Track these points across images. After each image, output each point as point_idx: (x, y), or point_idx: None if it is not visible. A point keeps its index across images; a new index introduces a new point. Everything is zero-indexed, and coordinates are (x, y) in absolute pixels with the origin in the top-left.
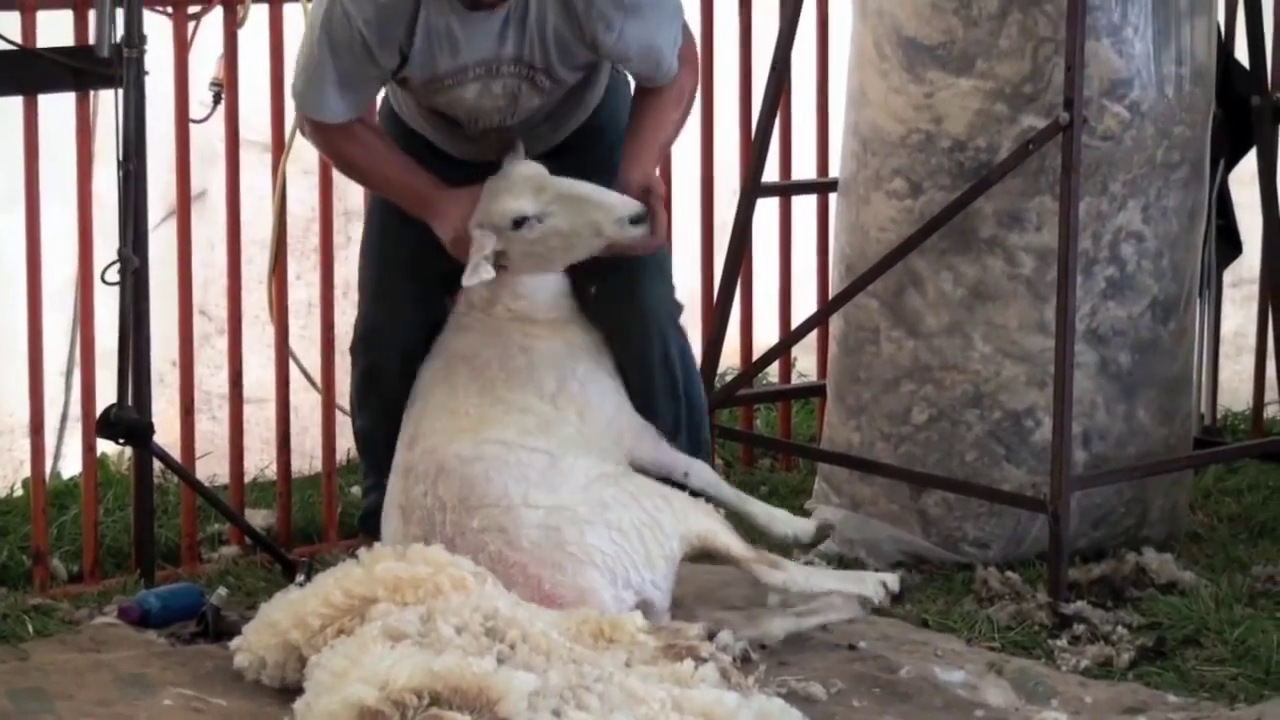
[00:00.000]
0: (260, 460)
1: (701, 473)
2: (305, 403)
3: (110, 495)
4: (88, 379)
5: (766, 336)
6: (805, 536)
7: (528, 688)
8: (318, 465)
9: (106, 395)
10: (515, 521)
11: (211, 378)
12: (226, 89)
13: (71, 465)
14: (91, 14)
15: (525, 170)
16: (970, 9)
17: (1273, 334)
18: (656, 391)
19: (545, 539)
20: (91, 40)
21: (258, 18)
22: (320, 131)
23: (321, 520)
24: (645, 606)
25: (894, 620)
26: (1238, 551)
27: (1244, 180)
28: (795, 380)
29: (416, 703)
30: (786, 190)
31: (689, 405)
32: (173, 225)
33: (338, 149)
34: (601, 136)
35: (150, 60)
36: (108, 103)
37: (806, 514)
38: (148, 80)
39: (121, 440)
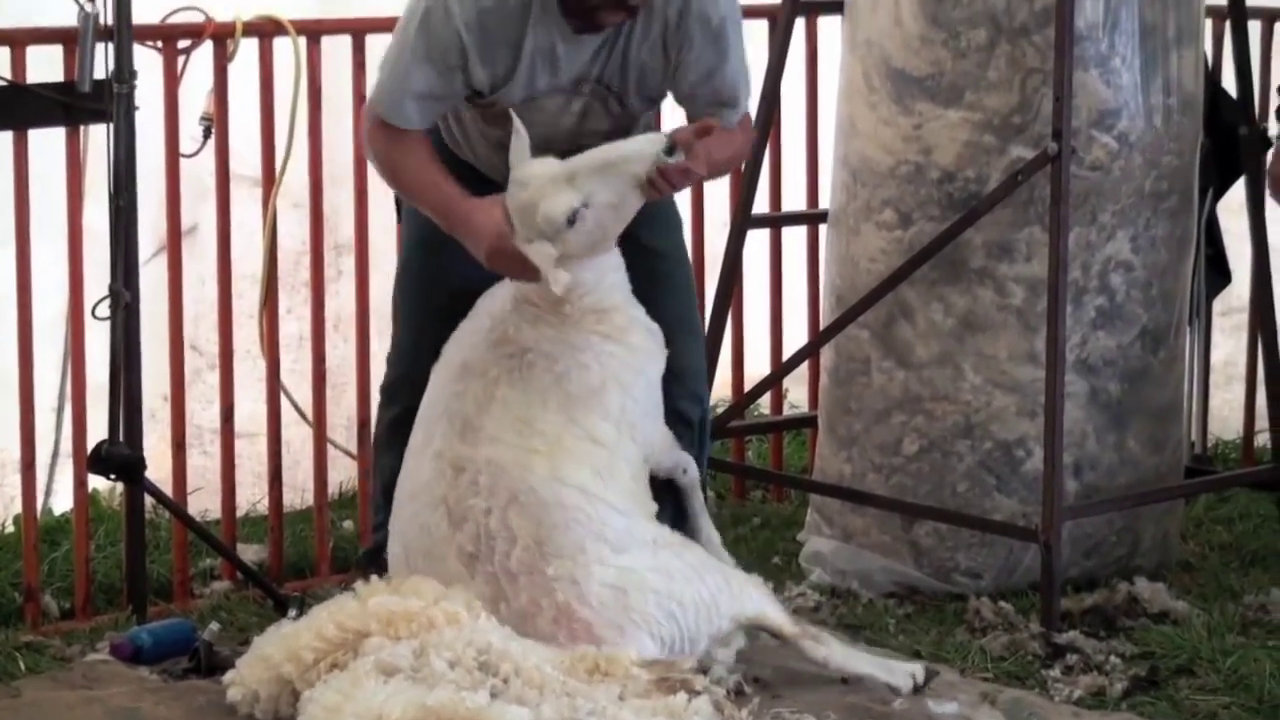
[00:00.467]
0: (252, 495)
1: (694, 473)
2: (297, 437)
3: (102, 531)
4: (79, 414)
5: (758, 368)
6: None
7: None
8: (309, 499)
9: (98, 431)
10: (587, 577)
11: (203, 412)
12: (216, 123)
13: (63, 501)
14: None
15: (541, 169)
16: (958, 41)
17: (1263, 362)
18: (679, 429)
19: (613, 600)
20: (80, 75)
21: (248, 52)
22: (384, 131)
23: (314, 555)
24: None
25: (887, 651)
26: (1229, 580)
27: (1232, 209)
28: (787, 411)
29: None
30: (777, 222)
31: (700, 445)
32: (163, 260)
33: (393, 154)
34: None
35: (140, 95)
36: (98, 137)
37: (799, 545)
38: (138, 115)
39: (113, 476)
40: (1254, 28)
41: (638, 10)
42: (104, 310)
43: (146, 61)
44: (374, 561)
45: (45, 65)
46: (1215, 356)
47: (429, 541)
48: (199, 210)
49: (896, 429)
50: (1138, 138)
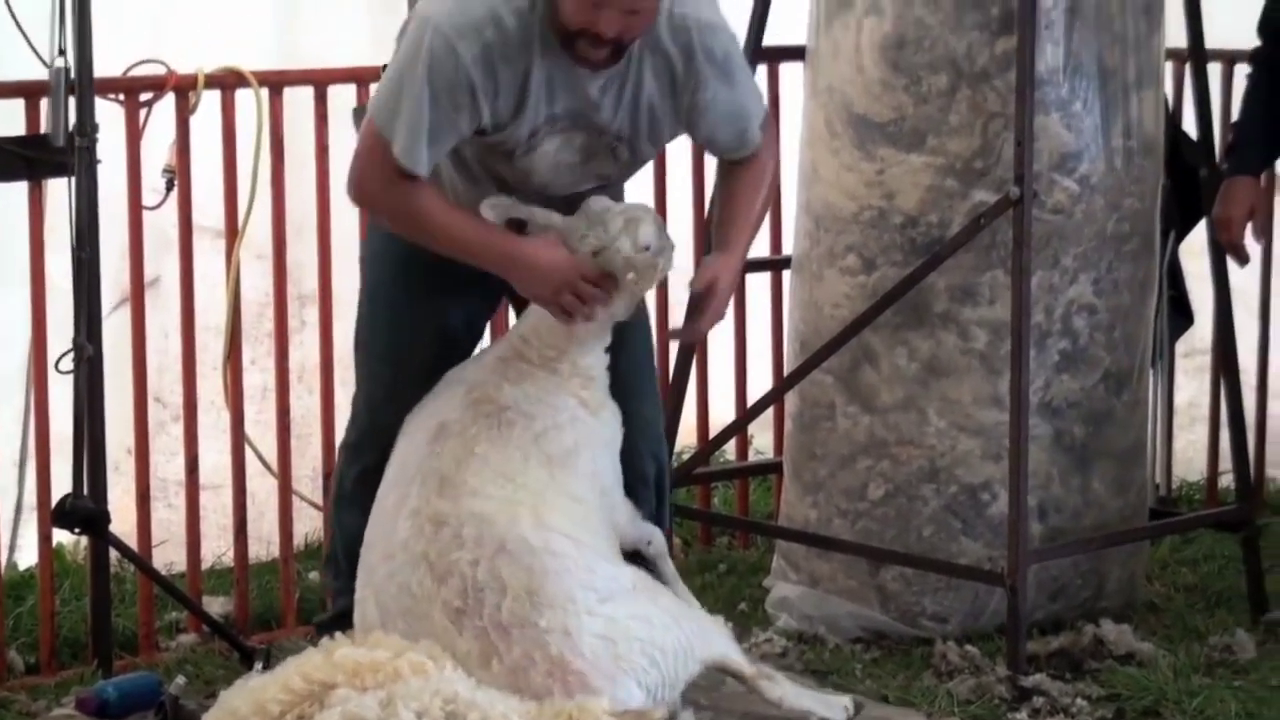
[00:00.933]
0: (217, 547)
1: (659, 544)
2: (262, 488)
3: (67, 585)
4: (43, 468)
5: (723, 414)
6: None
7: None
8: (275, 551)
9: (62, 484)
10: (579, 628)
11: (167, 465)
12: (179, 175)
13: (28, 556)
14: (43, 103)
15: (630, 206)
16: (920, 86)
17: (1226, 404)
18: (637, 487)
19: (604, 651)
20: (44, 129)
21: (210, 104)
22: (399, 181)
23: (280, 606)
24: None
25: (855, 696)
26: (1195, 621)
27: (1194, 251)
28: (752, 458)
29: None
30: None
31: (660, 500)
32: (126, 312)
33: (412, 203)
34: None
35: (102, 147)
36: (60, 189)
37: (765, 591)
38: (100, 167)
39: (77, 530)
40: (1214, 70)
41: (619, 49)
42: (67, 364)
43: (108, 114)
44: (337, 629)
45: (6, 118)
46: (1179, 398)
47: (410, 601)
48: (162, 262)
49: (862, 474)
50: (1099, 181)
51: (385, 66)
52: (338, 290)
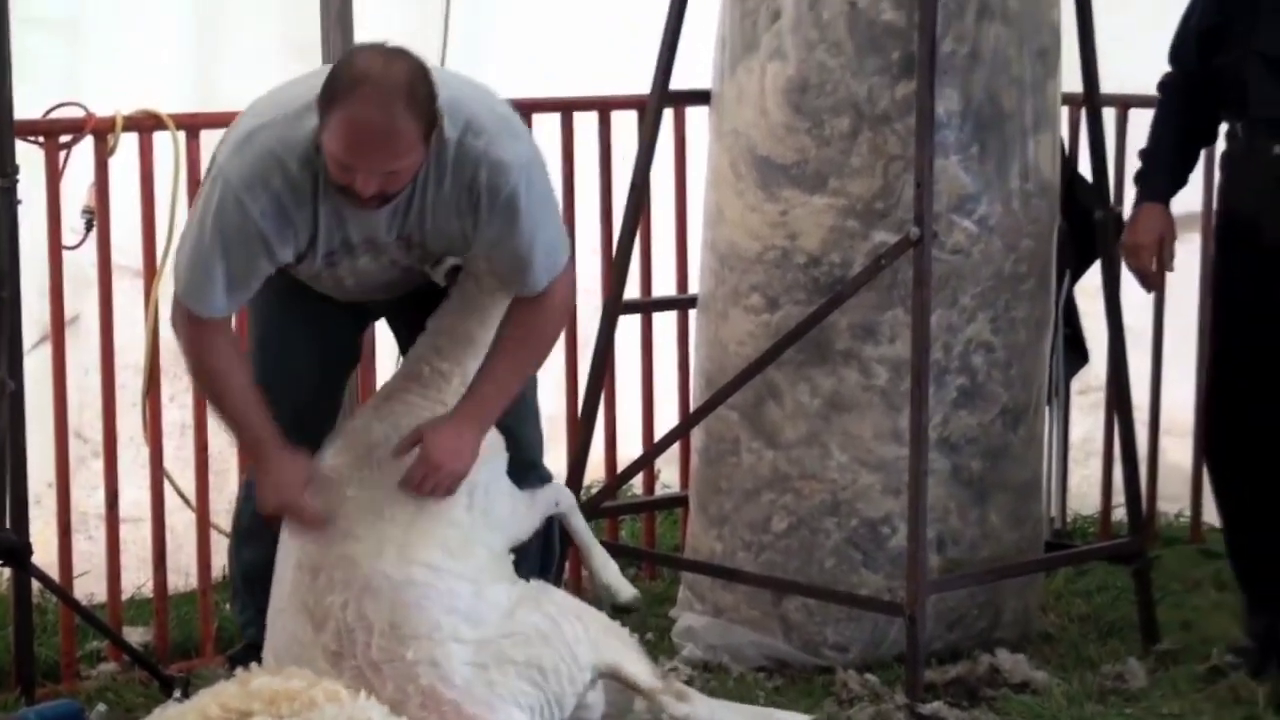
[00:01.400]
0: (137, 578)
1: (567, 500)
2: (180, 522)
3: None
4: None
5: (630, 449)
6: (622, 597)
7: None
8: (193, 582)
9: None
10: (447, 656)
11: (88, 498)
12: (98, 216)
13: None
14: None
15: None
16: (822, 129)
17: (1119, 439)
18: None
19: (476, 678)
20: None
21: (128, 146)
22: (192, 325)
23: (198, 636)
24: None
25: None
26: (1088, 651)
27: (1089, 291)
28: (659, 492)
29: None
30: (647, 307)
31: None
32: (47, 350)
33: (201, 349)
34: None
35: (22, 188)
36: None
37: (671, 622)
38: (20, 208)
39: (0, 562)
40: (1109, 114)
41: (379, 200)
42: None
43: (28, 156)
44: (247, 661)
45: None
46: (1073, 434)
47: (298, 649)
48: (82, 300)
49: (765, 507)
50: (997, 222)
51: None
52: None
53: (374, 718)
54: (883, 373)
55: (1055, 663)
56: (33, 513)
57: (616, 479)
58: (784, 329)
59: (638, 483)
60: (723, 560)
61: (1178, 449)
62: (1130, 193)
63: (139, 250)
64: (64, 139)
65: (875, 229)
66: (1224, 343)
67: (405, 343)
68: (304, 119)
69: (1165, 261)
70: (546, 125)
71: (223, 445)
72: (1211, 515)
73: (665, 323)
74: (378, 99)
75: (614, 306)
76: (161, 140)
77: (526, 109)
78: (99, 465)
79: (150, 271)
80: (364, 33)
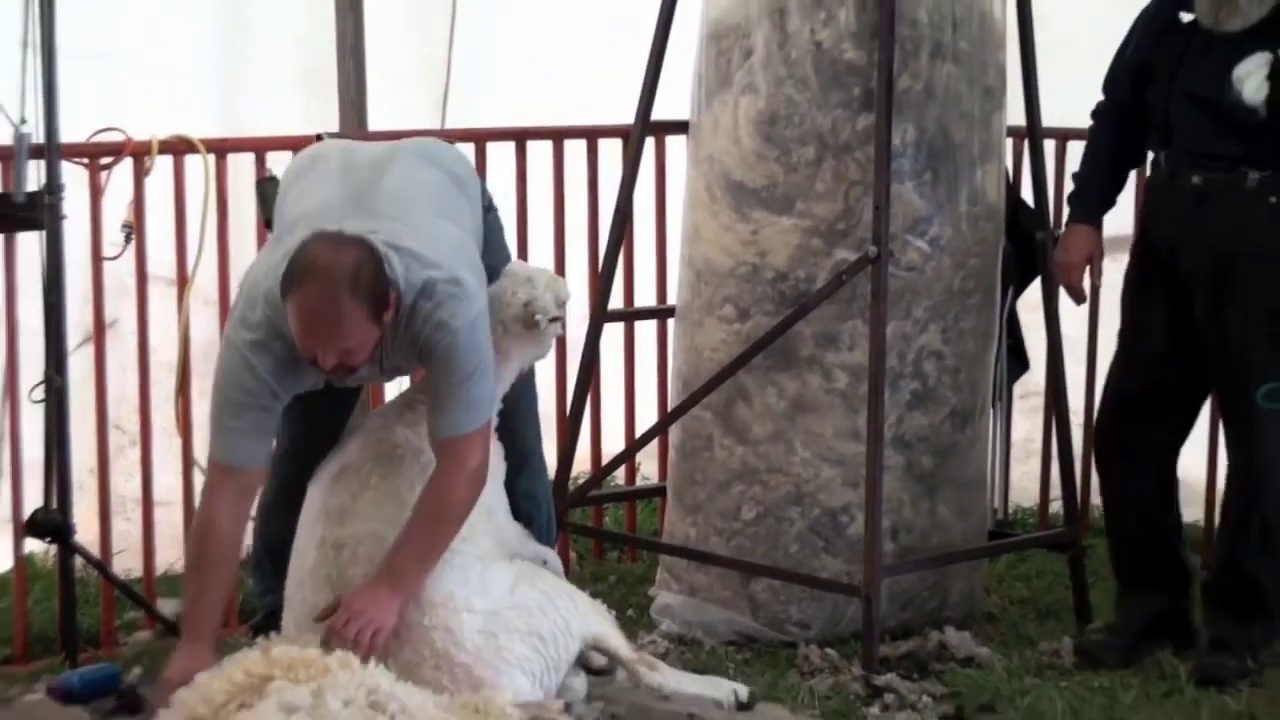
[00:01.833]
0: (169, 556)
1: (554, 564)
2: None
3: (38, 588)
4: (16, 486)
5: (614, 444)
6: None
7: None
8: None
9: (33, 500)
10: (460, 624)
11: (126, 484)
12: (135, 230)
13: (2, 562)
14: (13, 164)
15: (544, 270)
16: (790, 156)
17: (1056, 439)
18: (525, 505)
19: (485, 644)
20: (13, 188)
21: (163, 167)
22: (213, 473)
23: (224, 607)
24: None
25: (750, 687)
26: (1027, 630)
27: (1030, 305)
28: (639, 483)
29: None
30: (630, 316)
31: (543, 509)
32: (89, 350)
33: (212, 496)
34: None
35: (68, 205)
36: (29, 242)
37: (650, 600)
38: (65, 223)
39: (47, 540)
40: (1049, 146)
41: (343, 370)
42: (38, 394)
43: (73, 175)
44: (268, 629)
45: None
46: (1015, 434)
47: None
48: (120, 306)
49: (736, 497)
50: (947, 242)
51: (318, 135)
52: None
53: (382, 683)
54: (843, 377)
55: (997, 640)
56: (76, 496)
57: (601, 471)
58: (753, 337)
59: (620, 474)
60: (697, 545)
61: None
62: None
63: (172, 261)
64: (105, 160)
65: (837, 247)
66: (1126, 356)
67: None
68: None
69: (1094, 278)
70: (539, 151)
71: None
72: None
73: (646, 330)
74: (323, 290)
75: (599, 315)
76: (193, 162)
77: (521, 136)
78: (135, 454)
79: (182, 280)
80: (374, 66)
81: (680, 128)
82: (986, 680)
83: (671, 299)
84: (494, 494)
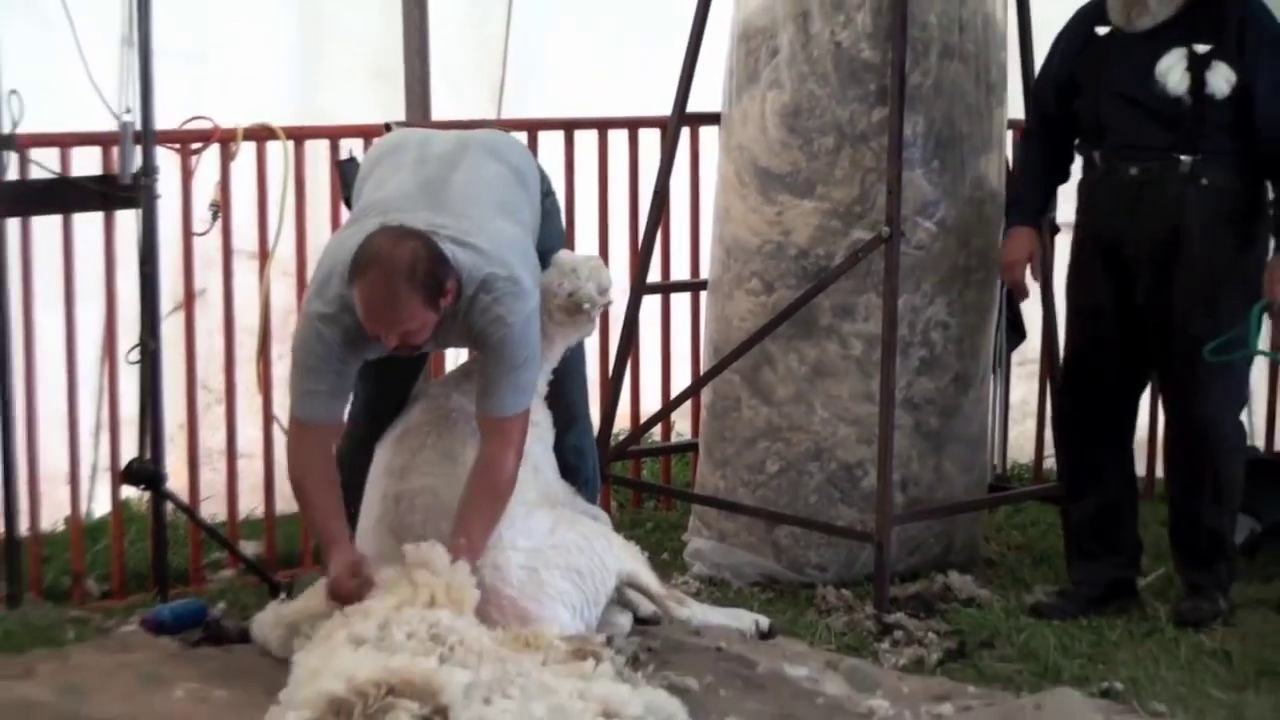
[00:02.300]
0: (251, 502)
1: (603, 519)
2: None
3: (133, 530)
4: (114, 439)
5: (651, 404)
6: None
7: (464, 681)
8: (295, 506)
9: (129, 452)
10: (506, 561)
11: (212, 437)
12: (222, 208)
13: (101, 507)
14: (116, 149)
15: (589, 258)
16: (811, 145)
17: (1050, 403)
18: (573, 459)
19: (529, 579)
20: (116, 170)
21: (247, 152)
22: (293, 428)
23: (300, 549)
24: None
25: (769, 618)
26: (1023, 574)
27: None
28: (674, 439)
29: (375, 692)
30: (666, 289)
31: (589, 463)
32: (180, 317)
33: (294, 450)
34: None
35: (161, 186)
36: (126, 220)
37: (683, 544)
38: (159, 202)
39: (142, 487)
40: None
41: (407, 349)
42: (134, 356)
43: (166, 160)
44: None
45: (86, 162)
46: (1013, 397)
47: (383, 562)
48: (207, 277)
49: (761, 453)
50: (953, 224)
51: (387, 125)
52: None
53: (443, 619)
54: (858, 345)
55: (996, 583)
56: (167, 448)
57: (640, 428)
58: (778, 308)
59: (657, 432)
60: (726, 495)
61: None
62: (1061, 202)
63: (254, 236)
64: (195, 146)
65: (854, 228)
66: (1077, 338)
67: None
68: None
69: (1035, 274)
70: (586, 140)
71: None
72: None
73: (681, 302)
74: (383, 279)
75: (639, 288)
76: (273, 148)
77: (569, 126)
78: (221, 410)
79: (263, 254)
80: (437, 63)
81: (713, 119)
82: (986, 619)
83: (704, 273)
84: (541, 454)
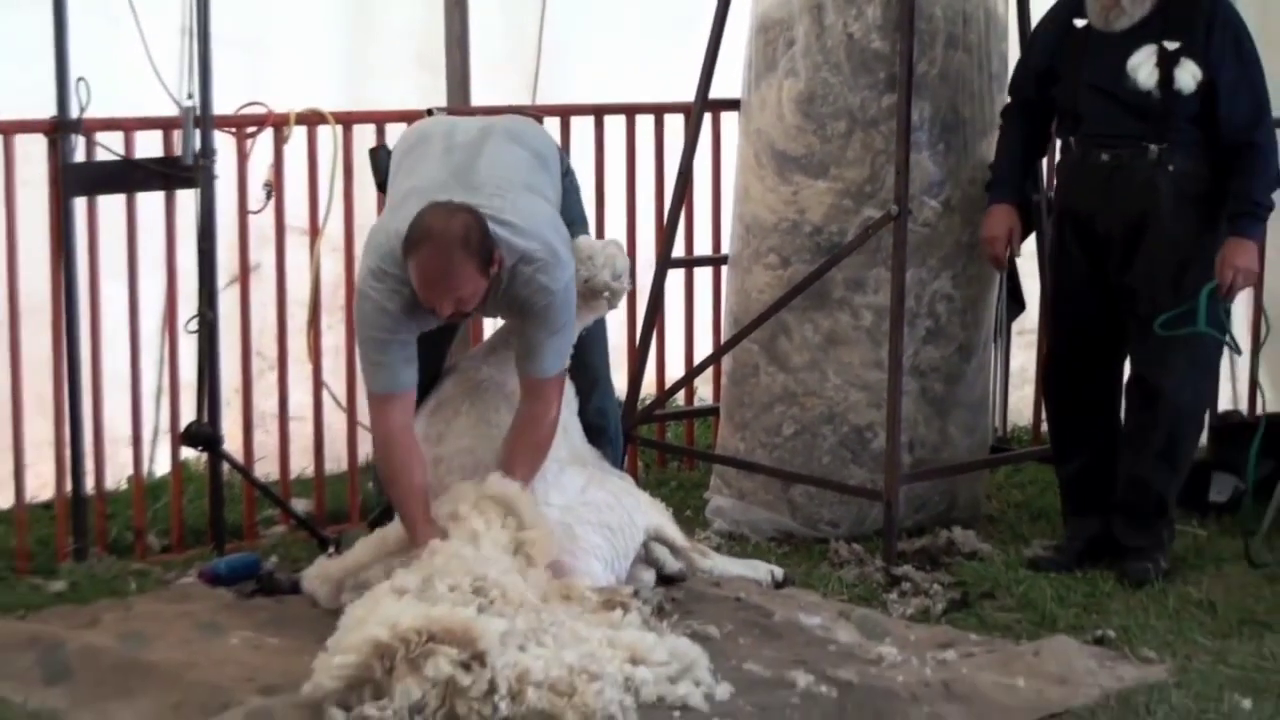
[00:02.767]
0: (301, 462)
1: (625, 478)
2: (335, 420)
3: (191, 489)
4: (174, 403)
5: (675, 371)
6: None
7: (500, 629)
8: (344, 466)
9: (188, 415)
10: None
11: (265, 401)
12: (275, 188)
13: (162, 467)
14: (176, 133)
15: (607, 244)
16: (825, 130)
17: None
18: (599, 423)
19: (563, 534)
20: (176, 152)
21: (299, 135)
22: (374, 403)
23: (347, 506)
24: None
25: (785, 569)
26: (1021, 529)
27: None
28: (697, 404)
29: (416, 639)
30: (689, 263)
31: (612, 423)
32: (236, 289)
33: (380, 421)
34: None
35: (218, 167)
36: (186, 199)
37: (705, 502)
38: (217, 182)
39: (199, 448)
40: None
41: (458, 316)
42: (193, 326)
43: (223, 143)
44: (382, 524)
45: (149, 144)
46: (1013, 364)
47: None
48: (261, 252)
49: (778, 416)
50: (957, 203)
51: (429, 110)
52: None
53: (490, 573)
54: (868, 316)
55: (996, 538)
56: (223, 412)
57: (664, 394)
58: (793, 281)
59: (681, 397)
60: (744, 456)
61: None
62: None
63: (305, 214)
64: (250, 130)
65: (864, 206)
66: (1059, 311)
67: None
68: None
69: (1014, 249)
70: (615, 124)
71: None
72: None
73: (703, 275)
74: (438, 250)
75: (664, 262)
76: (323, 131)
77: (599, 112)
78: (274, 377)
79: (314, 230)
80: (476, 52)
81: (733, 105)
82: (987, 571)
83: (725, 249)
84: (568, 417)
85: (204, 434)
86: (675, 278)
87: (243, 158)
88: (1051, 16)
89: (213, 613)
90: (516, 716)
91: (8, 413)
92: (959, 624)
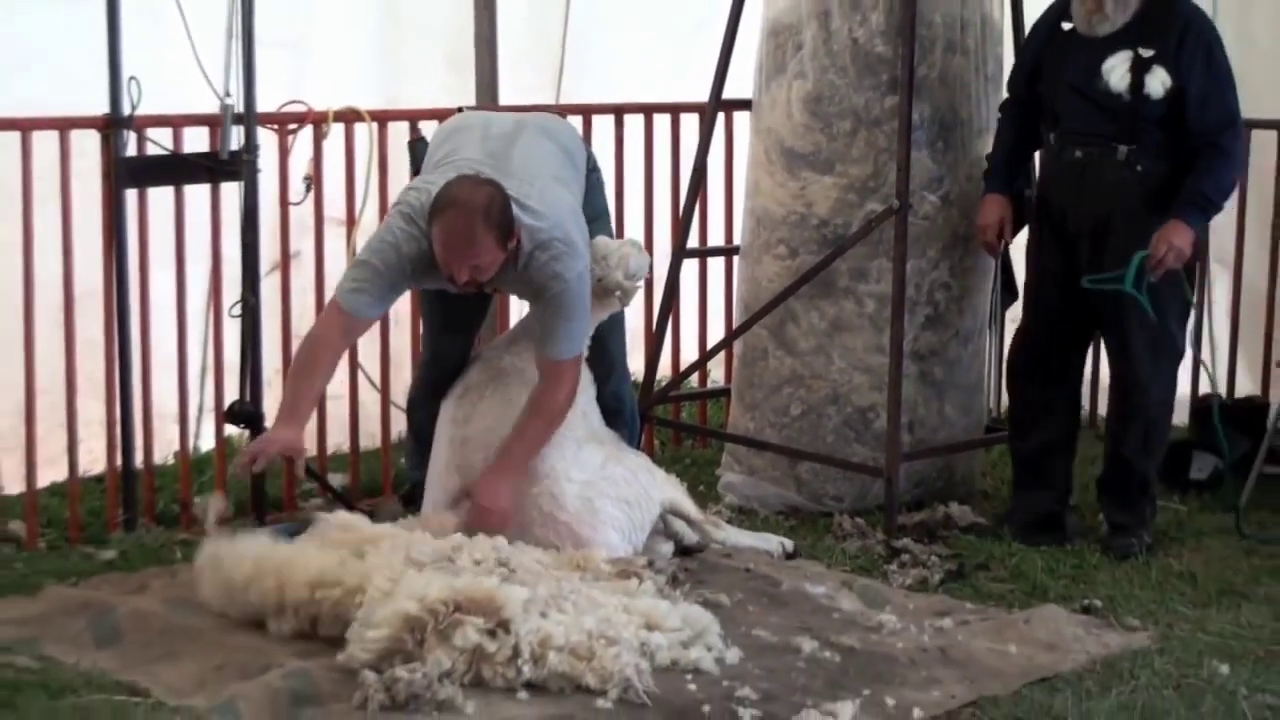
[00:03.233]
0: (338, 438)
1: (641, 456)
2: (369, 400)
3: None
4: (218, 383)
5: (689, 355)
6: (788, 547)
7: (523, 597)
8: (377, 443)
9: (231, 394)
10: (561, 491)
11: None
12: (314, 181)
13: (206, 443)
14: (221, 129)
15: (622, 244)
16: (831, 128)
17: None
18: (615, 406)
19: (583, 507)
20: (221, 148)
21: (337, 132)
22: (333, 311)
23: (380, 480)
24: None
25: (795, 541)
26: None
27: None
28: (710, 385)
29: (444, 610)
30: (703, 254)
31: (628, 406)
32: (277, 276)
33: (324, 322)
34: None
35: (261, 161)
36: (230, 191)
37: (717, 478)
38: (260, 176)
39: (242, 425)
40: None
41: (474, 285)
42: (236, 310)
43: (266, 138)
44: (414, 497)
45: (196, 139)
46: (1006, 350)
47: (447, 498)
48: (301, 241)
49: (786, 398)
50: (955, 198)
51: (459, 108)
52: None
53: (511, 550)
54: (871, 303)
55: (991, 513)
56: (265, 392)
57: (679, 376)
58: (801, 271)
59: (695, 379)
60: (754, 435)
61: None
62: None
63: (343, 206)
64: (291, 127)
65: (868, 201)
66: (1034, 295)
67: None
68: None
69: (1006, 237)
70: (633, 122)
71: (399, 344)
72: (1103, 407)
73: (716, 265)
74: (461, 216)
75: (679, 252)
76: (360, 128)
77: (619, 111)
78: None
79: (350, 221)
80: (504, 53)
81: (745, 105)
82: (982, 544)
83: (737, 240)
84: (587, 401)
85: (246, 412)
86: (690, 267)
87: (284, 153)
88: (1044, 18)
89: None
90: (538, 679)
91: (62, 392)
92: (955, 594)
